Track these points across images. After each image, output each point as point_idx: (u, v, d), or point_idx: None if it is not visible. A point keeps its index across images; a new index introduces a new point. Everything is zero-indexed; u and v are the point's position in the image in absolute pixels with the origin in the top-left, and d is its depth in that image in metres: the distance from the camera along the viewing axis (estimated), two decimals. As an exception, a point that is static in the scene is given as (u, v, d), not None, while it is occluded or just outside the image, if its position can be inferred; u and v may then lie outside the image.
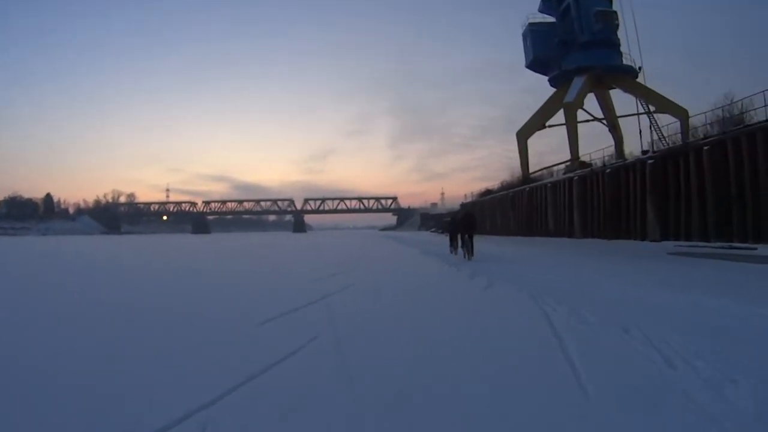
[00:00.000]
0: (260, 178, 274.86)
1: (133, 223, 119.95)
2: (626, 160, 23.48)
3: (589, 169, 26.55)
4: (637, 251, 17.66)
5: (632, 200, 22.10)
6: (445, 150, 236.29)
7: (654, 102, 33.01)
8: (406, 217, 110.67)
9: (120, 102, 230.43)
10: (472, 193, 52.39)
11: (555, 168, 34.96)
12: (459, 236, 15.51)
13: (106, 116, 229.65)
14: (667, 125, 29.01)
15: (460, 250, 15.30)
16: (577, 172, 27.56)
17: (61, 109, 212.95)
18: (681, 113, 32.90)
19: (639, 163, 21.78)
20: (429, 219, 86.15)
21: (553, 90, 38.81)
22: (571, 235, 27.11)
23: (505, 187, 41.76)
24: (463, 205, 53.63)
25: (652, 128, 30.28)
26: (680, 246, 18.49)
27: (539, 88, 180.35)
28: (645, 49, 38.56)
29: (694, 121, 30.53)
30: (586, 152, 33.69)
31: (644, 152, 22.47)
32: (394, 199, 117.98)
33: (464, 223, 15.10)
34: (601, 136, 61.79)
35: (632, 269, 11.66)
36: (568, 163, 32.95)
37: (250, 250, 25.40)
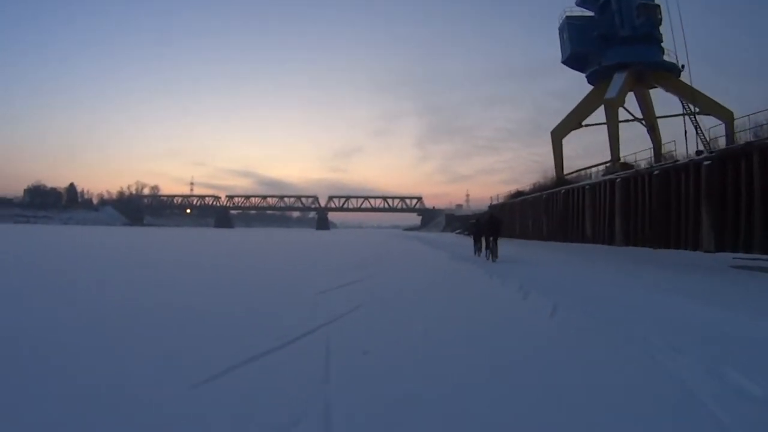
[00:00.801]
0: (285, 175, 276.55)
1: (156, 215, 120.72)
2: (677, 161, 21.49)
3: (634, 170, 24.60)
4: (692, 263, 15.87)
5: (684, 206, 20.16)
6: (469, 152, 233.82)
7: (698, 103, 30.64)
8: (430, 217, 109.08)
9: (146, 95, 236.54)
10: (498, 195, 50.62)
11: (592, 170, 32.94)
12: (483, 239, 15.57)
13: (132, 109, 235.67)
14: (708, 129, 26.92)
15: (484, 251, 15.29)
16: (619, 173, 25.62)
17: (87, 101, 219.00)
18: (726, 115, 30.68)
19: (693, 165, 19.82)
20: (454, 220, 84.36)
21: (590, 88, 36.85)
22: (611, 242, 25.21)
23: (537, 188, 39.82)
24: (491, 207, 51.92)
25: (697, 131, 28.18)
26: (739, 258, 16.58)
27: (566, 90, 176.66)
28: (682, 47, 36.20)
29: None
30: (622, 154, 31.65)
31: (698, 153, 20.50)
32: (419, 199, 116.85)
33: (489, 226, 15.20)
34: (636, 138, 59.26)
35: (695, 285, 10.06)
36: (608, 164, 30.93)
37: (267, 248, 24.76)
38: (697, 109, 30.11)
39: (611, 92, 30.91)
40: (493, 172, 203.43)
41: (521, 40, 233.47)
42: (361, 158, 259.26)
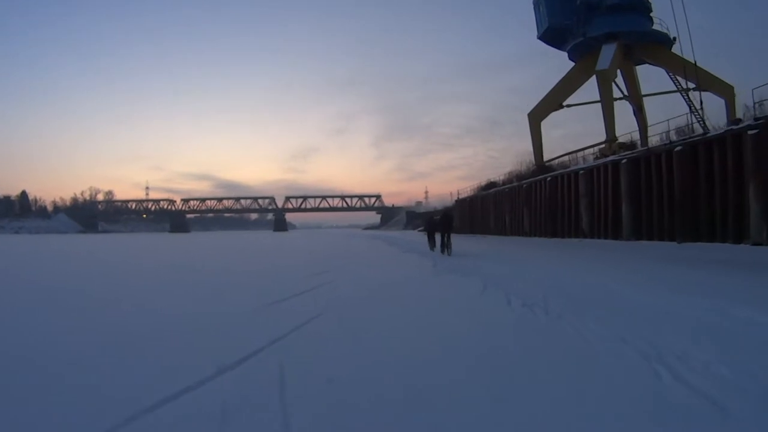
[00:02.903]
0: (243, 177, 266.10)
1: (112, 221, 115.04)
2: (706, 132, 17.58)
3: (646, 149, 20.61)
4: (749, 260, 11.40)
5: (720, 188, 16.21)
6: (427, 149, 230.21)
7: (694, 77, 27.03)
8: (390, 215, 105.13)
9: (101, 99, 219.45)
10: (458, 191, 46.61)
11: (583, 153, 28.95)
12: (438, 235, 15.77)
13: (87, 114, 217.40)
14: (701, 107, 23.41)
15: (438, 247, 15.39)
16: (625, 153, 21.59)
17: (40, 106, 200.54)
18: (726, 91, 27.42)
19: (731, 136, 15.88)
20: (416, 217, 79.75)
21: (571, 64, 33.09)
22: (616, 237, 21.14)
23: (513, 178, 35.73)
24: (458, 201, 47.88)
25: (691, 108, 24.74)
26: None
27: (524, 86, 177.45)
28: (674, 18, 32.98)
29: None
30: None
31: (736, 121, 16.56)
32: (378, 197, 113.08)
33: (442, 223, 15.58)
34: (618, 120, 55.84)
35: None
36: (602, 146, 26.98)
37: (208, 253, 20.35)
38: (692, 86, 26.65)
39: (603, 63, 27.02)
40: (451, 169, 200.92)
41: (479, 37, 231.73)
42: (319, 158, 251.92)
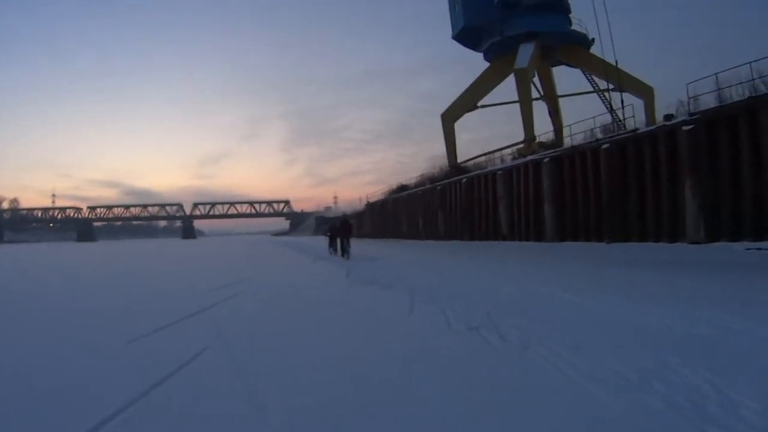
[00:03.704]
0: (152, 184, 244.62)
1: (17, 230, 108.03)
2: (636, 129, 16.81)
3: (569, 147, 19.63)
4: (687, 260, 10.63)
5: (652, 185, 15.36)
6: (337, 154, 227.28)
7: (613, 79, 26.93)
8: (299, 221, 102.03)
9: (4, 105, 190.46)
10: (366, 196, 44.81)
11: (498, 154, 27.88)
12: (338, 240, 16.55)
13: None
14: (619, 108, 23.49)
15: (339, 251, 16.27)
16: (547, 153, 20.50)
17: None
18: (645, 92, 27.90)
19: (663, 133, 15.08)
20: (325, 222, 76.68)
21: (485, 66, 32.29)
22: (539, 238, 19.92)
23: (426, 180, 34.16)
24: (369, 205, 45.76)
25: (609, 109, 24.89)
26: (754, 248, 11.92)
27: (434, 92, 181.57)
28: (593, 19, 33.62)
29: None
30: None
31: (668, 117, 15.85)
32: (287, 202, 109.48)
33: (342, 229, 16.35)
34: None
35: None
36: (520, 146, 26.02)
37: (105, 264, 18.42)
38: (611, 86, 26.69)
39: (521, 62, 26.19)
40: (360, 174, 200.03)
41: (389, 43, 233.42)
42: (229, 164, 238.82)
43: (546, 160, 19.90)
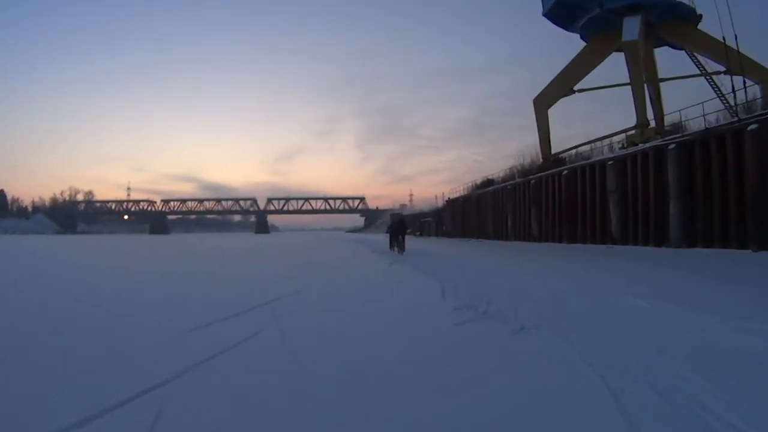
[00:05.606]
0: (227, 179, 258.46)
1: (91, 222, 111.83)
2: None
3: (703, 130, 16.18)
4: None
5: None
6: (412, 152, 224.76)
7: (732, 59, 22.45)
8: (374, 218, 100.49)
9: (83, 99, 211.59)
10: (448, 191, 42.35)
11: (598, 144, 24.50)
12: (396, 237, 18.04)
13: (69, 113, 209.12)
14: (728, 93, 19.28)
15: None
16: (673, 137, 17.20)
17: (21, 105, 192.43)
18: (763, 75, 23.14)
19: None
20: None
21: (582, 45, 28.71)
22: (659, 243, 16.72)
23: (515, 174, 31.26)
24: (449, 201, 43.52)
25: (718, 93, 20.75)
26: None
27: (510, 90, 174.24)
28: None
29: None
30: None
31: None
32: (362, 199, 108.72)
33: (398, 227, 18.31)
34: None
35: None
36: (630, 132, 22.54)
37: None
38: (723, 69, 22.42)
39: (630, 34, 22.51)
40: (436, 172, 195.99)
41: (466, 40, 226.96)
42: (304, 160, 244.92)
43: (672, 146, 16.60)
